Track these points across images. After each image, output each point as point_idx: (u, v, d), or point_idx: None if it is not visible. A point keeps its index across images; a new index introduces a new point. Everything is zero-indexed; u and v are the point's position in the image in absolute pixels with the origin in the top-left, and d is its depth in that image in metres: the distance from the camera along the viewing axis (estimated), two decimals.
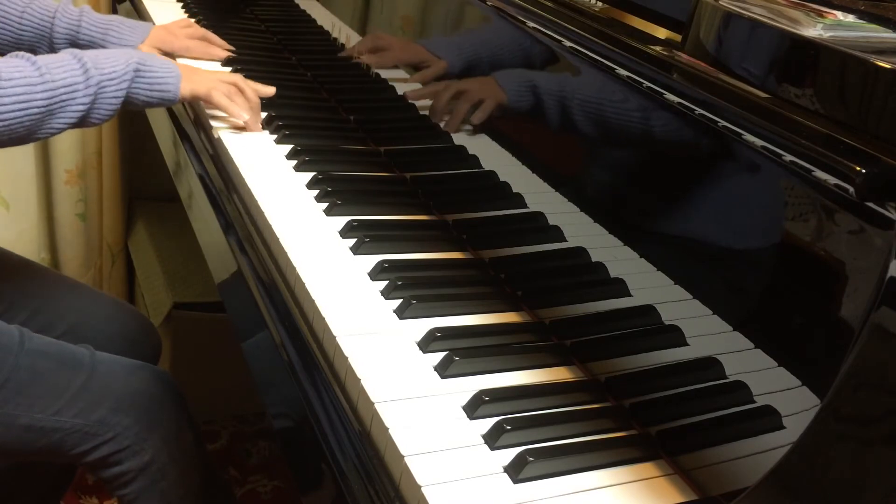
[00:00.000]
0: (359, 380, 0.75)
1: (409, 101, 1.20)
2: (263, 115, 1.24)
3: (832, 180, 0.59)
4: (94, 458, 1.10)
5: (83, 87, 1.03)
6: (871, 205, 0.58)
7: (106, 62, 1.06)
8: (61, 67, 1.02)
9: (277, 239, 0.95)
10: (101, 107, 1.06)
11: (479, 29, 1.10)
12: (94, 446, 1.09)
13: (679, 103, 0.73)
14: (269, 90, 1.24)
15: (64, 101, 1.01)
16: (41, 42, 1.29)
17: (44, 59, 1.01)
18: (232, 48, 1.46)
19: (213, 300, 1.82)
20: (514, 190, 0.99)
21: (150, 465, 1.12)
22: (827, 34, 0.65)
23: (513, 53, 1.03)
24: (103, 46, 1.29)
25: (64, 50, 1.06)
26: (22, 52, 1.02)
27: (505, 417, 0.72)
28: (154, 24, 1.40)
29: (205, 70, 1.24)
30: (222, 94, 1.18)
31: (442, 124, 1.12)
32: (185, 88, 1.15)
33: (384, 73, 1.30)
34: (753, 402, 0.68)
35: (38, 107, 0.99)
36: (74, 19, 1.30)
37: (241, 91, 1.21)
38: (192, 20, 1.55)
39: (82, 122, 1.05)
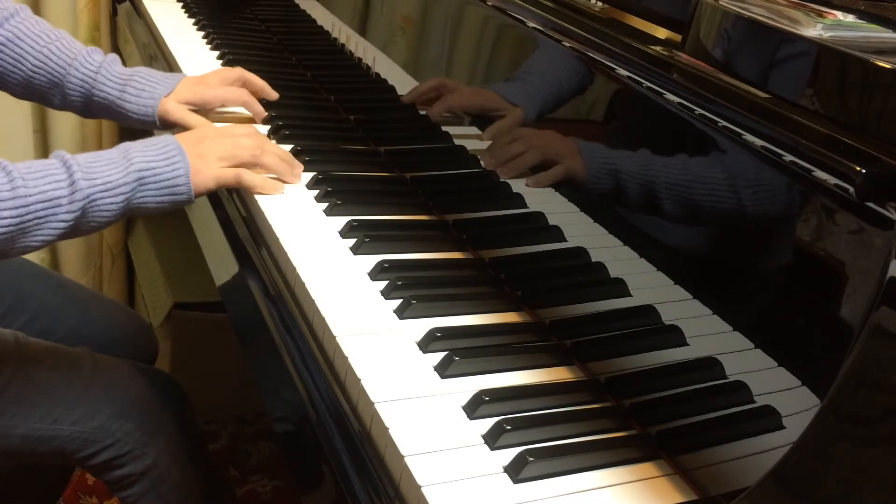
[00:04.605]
0: (359, 380, 0.75)
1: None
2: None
3: (832, 180, 0.59)
4: (96, 462, 1.10)
5: (67, 203, 0.88)
6: (871, 205, 0.58)
7: (101, 170, 0.92)
8: (44, 178, 0.88)
9: (277, 239, 0.95)
10: (94, 218, 0.92)
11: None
12: (95, 452, 1.09)
13: (679, 103, 0.74)
14: (272, 95, 1.25)
15: (42, 217, 0.87)
16: (53, 90, 1.17)
17: (24, 167, 0.88)
18: (275, 94, 1.27)
19: (213, 300, 1.82)
20: (514, 190, 0.99)
21: (153, 468, 1.12)
22: (827, 34, 0.65)
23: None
24: (119, 104, 1.15)
25: (54, 153, 0.92)
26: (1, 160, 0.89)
27: (505, 417, 0.72)
28: (184, 74, 1.23)
29: (212, 132, 1.04)
30: (251, 176, 1.02)
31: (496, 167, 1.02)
32: (200, 184, 0.98)
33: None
34: (753, 402, 0.68)
35: (4, 225, 0.85)
36: (92, 69, 1.15)
37: (264, 148, 1.04)
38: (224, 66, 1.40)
39: (72, 235, 0.92)
